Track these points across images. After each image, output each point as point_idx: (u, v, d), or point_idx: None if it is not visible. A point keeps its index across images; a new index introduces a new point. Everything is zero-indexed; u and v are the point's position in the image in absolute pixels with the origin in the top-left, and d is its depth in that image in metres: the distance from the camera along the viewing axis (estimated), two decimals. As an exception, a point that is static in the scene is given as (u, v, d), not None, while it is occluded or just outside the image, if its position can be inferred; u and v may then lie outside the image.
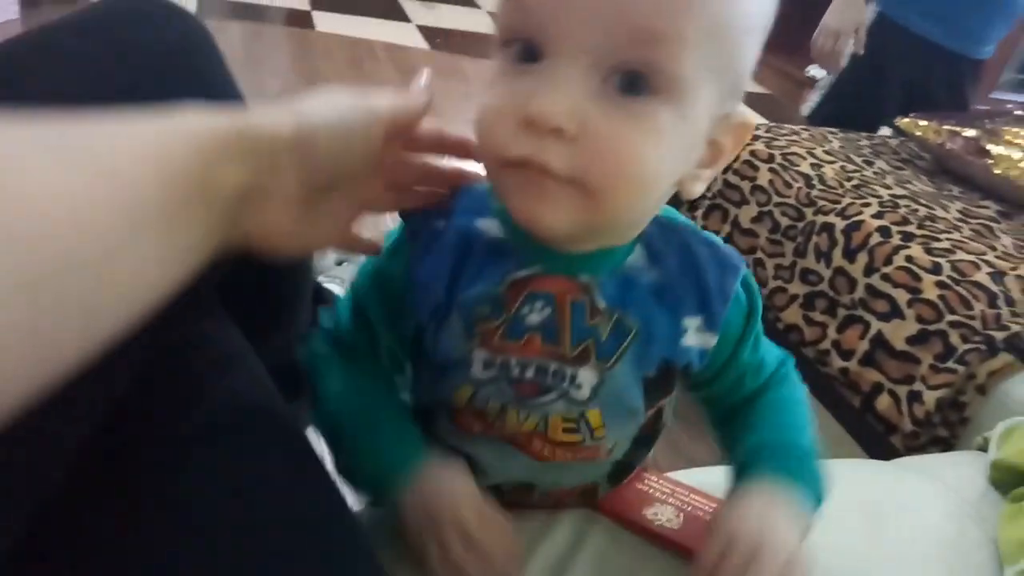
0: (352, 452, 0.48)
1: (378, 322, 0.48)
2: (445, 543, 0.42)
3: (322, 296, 0.94)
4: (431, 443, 0.48)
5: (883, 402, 0.92)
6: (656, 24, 0.33)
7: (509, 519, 0.44)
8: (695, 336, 0.45)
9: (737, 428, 0.50)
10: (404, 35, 3.06)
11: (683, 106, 0.35)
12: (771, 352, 0.51)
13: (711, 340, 0.45)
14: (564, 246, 0.41)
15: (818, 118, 1.53)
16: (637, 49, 0.34)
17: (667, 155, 0.36)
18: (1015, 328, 0.85)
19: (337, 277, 1.06)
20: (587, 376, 0.44)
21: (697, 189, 0.42)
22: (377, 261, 0.48)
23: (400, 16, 3.29)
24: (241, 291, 0.62)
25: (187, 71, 0.49)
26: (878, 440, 0.95)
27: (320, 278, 1.07)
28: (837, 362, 0.99)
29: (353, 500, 0.48)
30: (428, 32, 3.15)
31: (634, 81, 0.34)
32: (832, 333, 1.00)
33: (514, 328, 0.44)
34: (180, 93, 0.46)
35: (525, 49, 0.36)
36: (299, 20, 2.95)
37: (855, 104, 1.48)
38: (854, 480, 0.65)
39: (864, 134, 1.35)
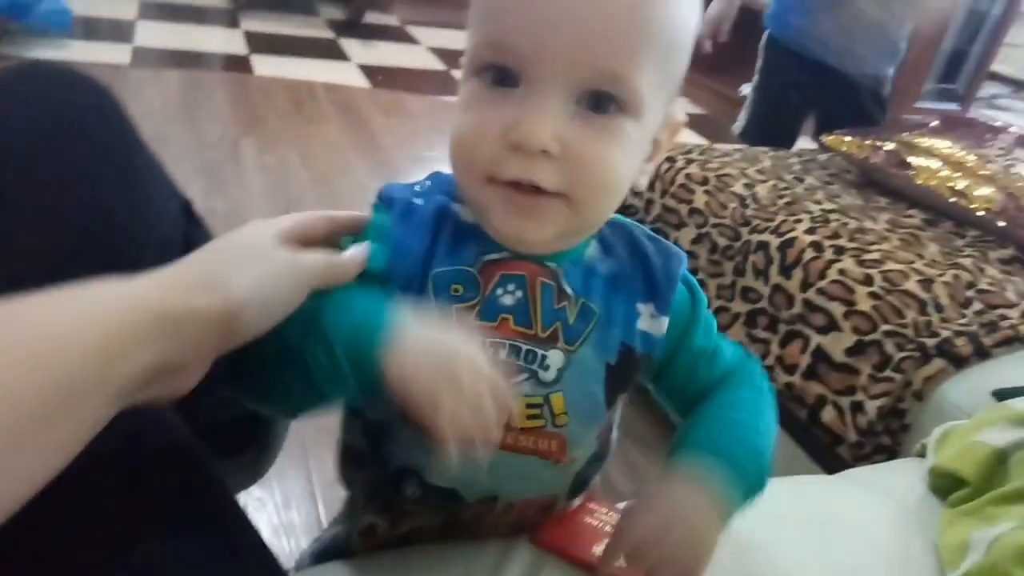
0: (330, 327, 0.42)
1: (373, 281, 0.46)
2: (458, 387, 0.38)
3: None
4: (387, 463, 0.48)
5: (828, 414, 0.94)
6: (618, 67, 0.39)
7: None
8: (648, 321, 0.48)
9: (690, 424, 0.51)
10: (344, 74, 3.06)
11: (642, 117, 0.41)
12: (729, 348, 0.53)
13: (663, 325, 0.48)
14: (538, 251, 0.45)
15: (746, 135, 1.62)
16: (604, 82, 0.40)
17: (632, 161, 0.43)
18: (945, 333, 0.88)
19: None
20: (555, 357, 0.46)
21: (643, 182, 0.47)
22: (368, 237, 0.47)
23: (340, 56, 3.30)
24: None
25: (88, 140, 0.48)
26: (826, 452, 0.97)
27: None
28: (782, 377, 1.01)
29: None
30: (368, 70, 3.16)
31: (601, 101, 0.40)
32: (775, 349, 1.02)
33: (488, 309, 0.45)
34: (80, 163, 0.45)
35: (500, 75, 0.40)
36: (237, 65, 2.93)
37: (773, 120, 1.60)
38: (800, 496, 0.66)
39: (794, 151, 1.40)
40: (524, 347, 0.46)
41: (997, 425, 0.64)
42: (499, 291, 0.46)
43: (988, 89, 4.82)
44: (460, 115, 0.42)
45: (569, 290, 0.46)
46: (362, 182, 2.19)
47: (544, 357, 0.46)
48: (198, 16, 3.42)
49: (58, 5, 2.68)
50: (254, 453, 0.96)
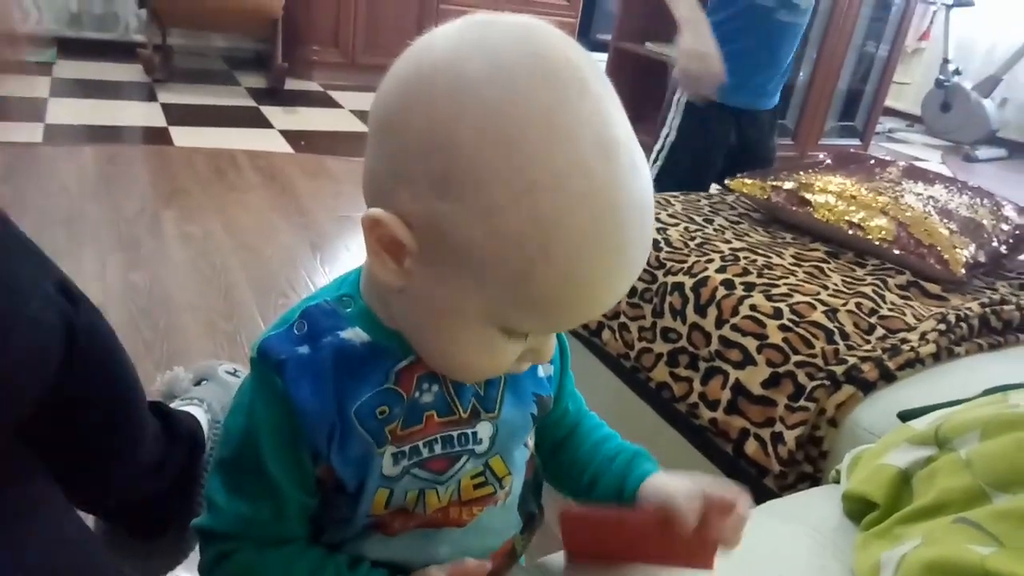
0: None
1: (282, 475, 0.46)
2: None
3: (176, 421, 0.89)
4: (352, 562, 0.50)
5: (751, 446, 0.96)
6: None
7: None
8: (542, 368, 0.54)
9: (581, 452, 0.59)
10: (267, 141, 3.06)
11: None
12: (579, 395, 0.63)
13: (551, 369, 0.55)
14: None
15: (661, 186, 1.65)
16: None
17: None
18: (852, 360, 0.91)
19: (196, 398, 1.01)
20: (484, 430, 0.50)
21: None
22: (246, 421, 0.46)
23: (262, 123, 3.29)
24: (59, 439, 0.58)
25: None
26: (753, 483, 0.99)
27: (176, 402, 1.02)
28: (706, 413, 1.03)
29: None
30: (291, 136, 3.17)
31: None
32: (697, 386, 1.05)
33: (412, 415, 0.47)
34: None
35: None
36: (156, 137, 2.90)
37: (693, 176, 1.64)
38: (722, 533, 0.67)
39: (703, 194, 1.45)
40: (454, 434, 0.49)
41: (900, 447, 0.67)
42: (417, 393, 0.47)
43: (885, 124, 5.15)
44: (472, 352, 0.43)
45: None
46: (288, 245, 2.17)
47: (475, 434, 0.49)
48: (113, 91, 3.39)
49: (-38, 86, 2.61)
50: (176, 533, 0.93)
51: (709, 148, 1.64)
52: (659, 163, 1.68)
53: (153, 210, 2.27)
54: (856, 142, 3.83)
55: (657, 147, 1.69)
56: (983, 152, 4.93)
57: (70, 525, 0.50)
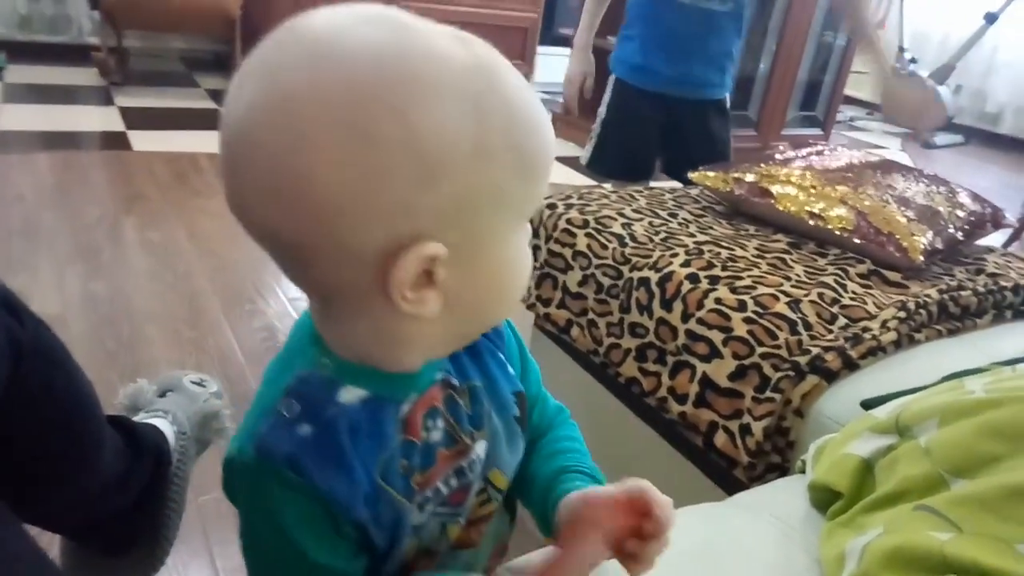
0: None
1: (334, 559, 0.43)
2: None
3: (140, 434, 0.87)
4: None
5: (720, 439, 0.97)
6: None
7: None
8: (509, 366, 0.53)
9: (536, 460, 0.56)
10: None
11: None
12: (551, 400, 0.60)
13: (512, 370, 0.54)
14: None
15: (594, 166, 1.77)
16: None
17: None
18: (815, 350, 0.93)
19: (160, 410, 0.99)
20: (480, 447, 0.49)
21: None
22: (275, 530, 0.41)
23: (215, 125, 3.24)
24: (9, 457, 0.57)
25: None
26: (723, 475, 1.00)
27: (140, 414, 1.00)
28: (675, 407, 1.03)
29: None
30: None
31: None
32: (666, 380, 1.05)
33: (426, 458, 0.46)
34: None
35: None
36: (114, 142, 2.84)
37: (623, 154, 1.72)
38: (690, 526, 0.68)
39: (667, 188, 1.46)
40: (464, 463, 0.48)
41: (862, 436, 0.68)
42: (425, 433, 0.46)
43: (846, 112, 5.23)
44: (527, 264, 0.45)
45: (457, 383, 0.48)
46: (254, 250, 2.14)
47: (478, 456, 0.49)
48: (68, 95, 3.31)
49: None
50: (143, 549, 0.91)
51: (636, 128, 1.69)
52: (593, 140, 1.75)
53: (113, 217, 2.22)
54: (818, 131, 3.89)
55: (595, 125, 1.74)
56: (941, 139, 5.04)
57: (15, 541, 0.48)
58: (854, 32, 1.79)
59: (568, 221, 1.27)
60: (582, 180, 3.10)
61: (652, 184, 1.65)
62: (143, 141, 2.87)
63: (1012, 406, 0.59)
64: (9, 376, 0.55)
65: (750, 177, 1.28)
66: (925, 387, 0.76)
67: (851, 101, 5.72)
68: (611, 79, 1.73)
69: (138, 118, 3.11)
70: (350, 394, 0.43)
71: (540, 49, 4.85)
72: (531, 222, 1.35)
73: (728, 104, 1.74)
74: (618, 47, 1.71)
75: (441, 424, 0.47)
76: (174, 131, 3.06)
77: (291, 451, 0.40)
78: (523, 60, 4.84)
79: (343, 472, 0.41)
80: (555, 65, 4.64)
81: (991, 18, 4.89)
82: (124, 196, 2.40)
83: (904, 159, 4.48)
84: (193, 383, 1.09)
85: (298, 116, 0.36)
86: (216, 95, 3.64)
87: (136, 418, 0.98)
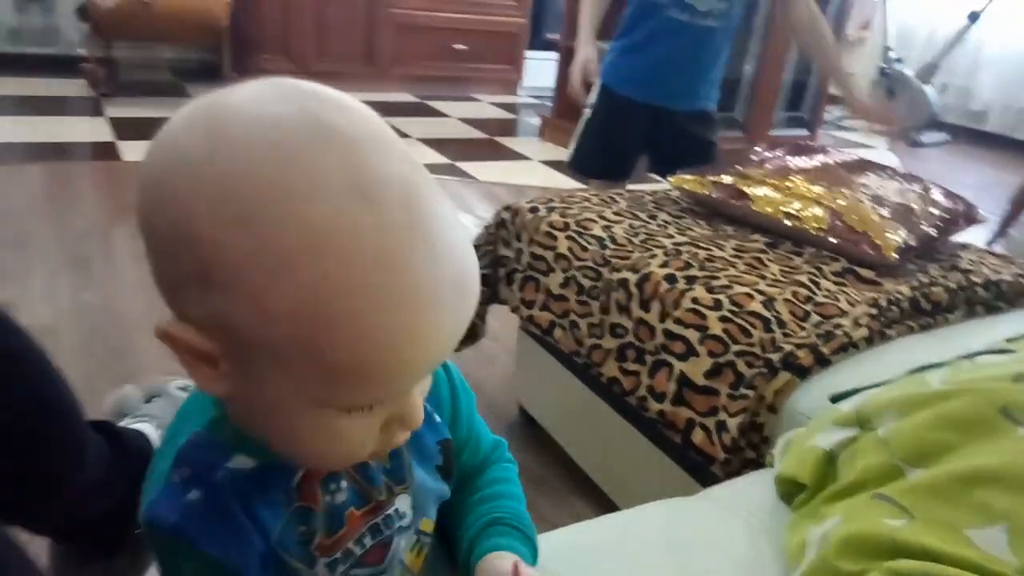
0: None
1: None
2: None
3: (124, 439, 0.89)
4: None
5: (697, 436, 0.99)
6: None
7: None
8: (437, 413, 0.51)
9: (464, 506, 0.55)
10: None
11: None
12: (487, 436, 0.57)
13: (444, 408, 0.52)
14: None
15: (575, 165, 1.82)
16: None
17: None
18: (787, 347, 0.95)
19: (146, 416, 1.01)
20: (403, 503, 0.49)
21: None
22: None
23: (213, 134, 3.25)
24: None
25: None
26: (702, 471, 1.02)
27: (127, 420, 1.01)
28: (654, 405, 1.05)
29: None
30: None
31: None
32: (645, 379, 1.07)
33: (332, 521, 0.45)
34: None
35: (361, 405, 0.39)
36: (104, 153, 2.85)
37: (604, 155, 1.75)
38: (660, 521, 0.70)
39: (647, 190, 1.48)
40: (379, 520, 0.48)
41: (826, 429, 0.70)
42: (328, 497, 0.45)
43: (833, 112, 5.27)
44: (321, 441, 0.39)
45: None
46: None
47: (397, 511, 0.48)
48: (58, 107, 3.32)
49: None
50: (130, 551, 0.93)
51: (618, 132, 1.71)
52: (575, 140, 1.79)
53: (103, 228, 2.24)
54: (805, 132, 3.92)
55: (578, 125, 1.77)
56: (927, 137, 5.05)
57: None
58: (826, 74, 1.82)
59: (550, 224, 1.29)
60: (571, 183, 3.13)
61: (635, 186, 1.67)
62: (133, 151, 2.88)
63: (964, 397, 0.61)
64: None
65: (727, 179, 1.30)
66: (891, 380, 0.78)
67: (838, 101, 5.75)
68: (597, 83, 1.75)
69: (128, 128, 3.12)
70: (240, 462, 0.42)
71: (528, 54, 4.89)
72: (511, 226, 1.37)
73: (715, 112, 1.76)
74: (609, 54, 1.73)
75: (345, 485, 0.46)
76: (164, 141, 3.07)
77: (177, 520, 0.40)
78: (512, 64, 4.88)
79: (233, 536, 0.41)
80: (543, 69, 4.68)
81: (974, 17, 4.92)
82: (114, 206, 2.41)
83: (891, 158, 4.52)
84: (179, 389, 1.11)
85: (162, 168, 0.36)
86: (206, 104, 3.65)
87: (122, 423, 0.99)
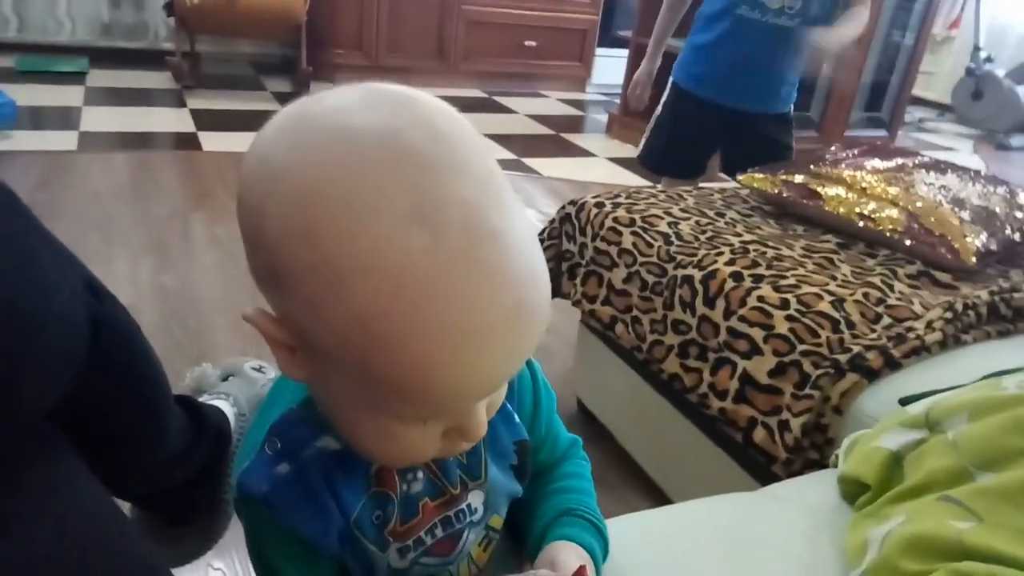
0: None
1: None
2: None
3: (204, 414, 0.94)
4: None
5: (759, 434, 0.98)
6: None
7: None
8: (517, 414, 0.52)
9: (537, 496, 0.56)
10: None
11: None
12: (564, 435, 0.58)
13: (526, 409, 0.52)
14: None
15: (646, 162, 1.82)
16: None
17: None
18: (856, 349, 0.93)
19: (223, 393, 1.06)
20: (476, 499, 0.50)
21: None
22: (265, 568, 0.46)
23: (288, 127, 3.36)
24: (85, 428, 0.63)
25: None
26: (762, 470, 1.01)
27: (204, 396, 1.06)
28: (715, 403, 1.05)
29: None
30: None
31: None
32: (707, 377, 1.06)
33: (407, 509, 0.47)
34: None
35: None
36: (185, 143, 2.98)
37: (675, 153, 1.75)
38: (720, 516, 0.70)
39: (716, 187, 1.47)
40: (451, 513, 0.49)
41: (893, 430, 0.69)
42: (405, 486, 0.47)
43: (915, 114, 5.07)
44: (379, 442, 0.41)
45: None
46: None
47: (470, 507, 0.50)
48: (144, 98, 3.48)
49: (2, 98, 2.71)
50: (205, 519, 0.98)
51: (690, 130, 1.70)
52: (647, 136, 1.79)
53: (183, 214, 2.34)
54: (883, 133, 3.79)
55: (650, 123, 1.76)
56: (1016, 140, 4.82)
57: (97, 504, 0.54)
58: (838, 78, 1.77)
59: (615, 219, 1.29)
60: (637, 180, 3.10)
61: (706, 184, 1.65)
62: (213, 142, 3.00)
63: (1043, 402, 0.58)
64: (88, 350, 0.60)
65: (799, 178, 1.28)
66: (964, 385, 0.76)
67: (920, 102, 5.54)
68: (670, 81, 1.74)
69: (208, 120, 3.25)
70: (327, 442, 0.45)
71: (598, 51, 4.86)
72: (576, 220, 1.38)
73: (791, 114, 1.72)
74: (683, 53, 1.71)
75: (422, 476, 0.47)
76: (242, 132, 3.18)
77: (267, 490, 0.43)
78: (581, 62, 4.86)
79: (316, 511, 0.44)
80: (613, 66, 4.65)
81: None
82: (194, 194, 2.52)
83: (977, 162, 4.32)
84: (253, 369, 1.15)
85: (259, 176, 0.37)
86: (282, 98, 3.77)
87: (200, 399, 1.05)
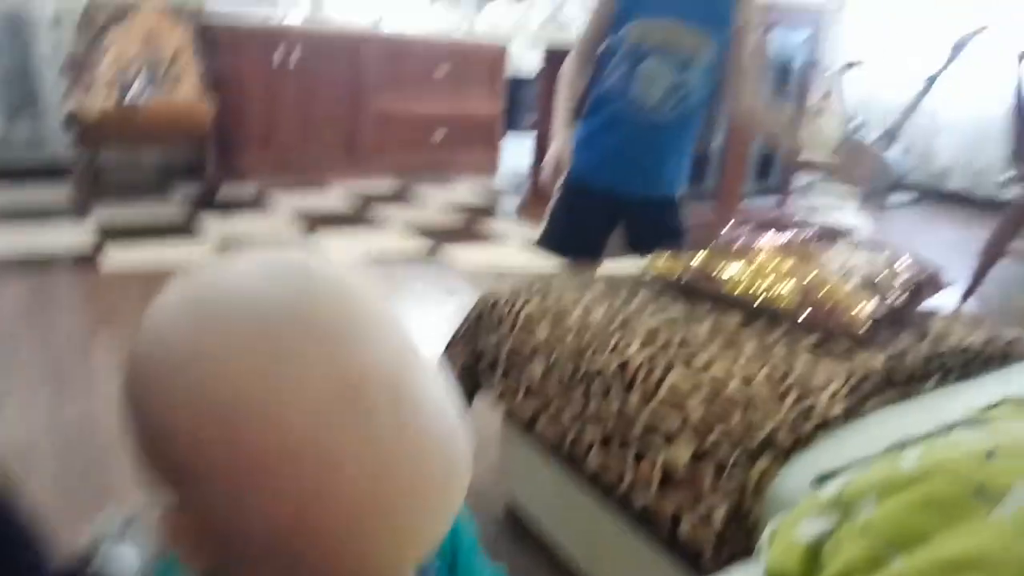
0: None
1: None
2: None
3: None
4: None
5: (684, 529, 0.98)
6: None
7: None
8: (435, 562, 0.48)
9: None
10: (202, 253, 3.05)
11: None
12: (487, 573, 0.55)
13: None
14: None
15: (544, 247, 1.86)
16: None
17: None
18: (768, 428, 0.95)
19: (126, 538, 0.99)
20: None
21: None
22: None
23: (197, 234, 3.29)
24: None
25: None
26: (693, 563, 1.00)
27: (107, 543, 0.99)
28: (640, 499, 1.04)
29: None
30: (227, 244, 3.17)
31: None
32: (629, 471, 1.06)
33: None
34: None
35: None
36: (86, 260, 2.87)
37: (571, 238, 1.80)
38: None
39: (626, 271, 1.51)
40: None
41: (808, 517, 0.70)
42: None
43: (803, 178, 5.42)
44: None
45: None
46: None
47: None
48: (44, 214, 3.36)
49: None
50: None
51: (583, 215, 1.76)
52: (545, 221, 1.84)
53: (83, 338, 2.23)
54: (775, 200, 4.02)
55: (549, 206, 1.83)
56: (895, 199, 5.22)
57: None
58: (734, 115, 1.88)
59: (528, 314, 1.31)
60: (549, 264, 3.17)
61: (614, 262, 1.69)
62: (118, 257, 2.91)
63: (939, 478, 0.61)
64: None
65: (698, 261, 1.33)
66: (871, 457, 0.78)
67: (806, 166, 5.94)
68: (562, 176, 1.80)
69: (112, 235, 3.15)
70: None
71: (505, 138, 5.04)
72: (490, 316, 1.38)
73: (681, 196, 1.80)
74: (573, 139, 1.78)
75: None
76: (148, 245, 3.10)
77: None
78: (490, 148, 5.02)
79: None
80: (520, 150, 4.81)
81: (931, 80, 5.16)
82: (96, 317, 2.42)
83: (862, 221, 4.63)
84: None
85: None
86: (190, 204, 3.71)
87: (103, 546, 0.97)
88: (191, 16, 4.02)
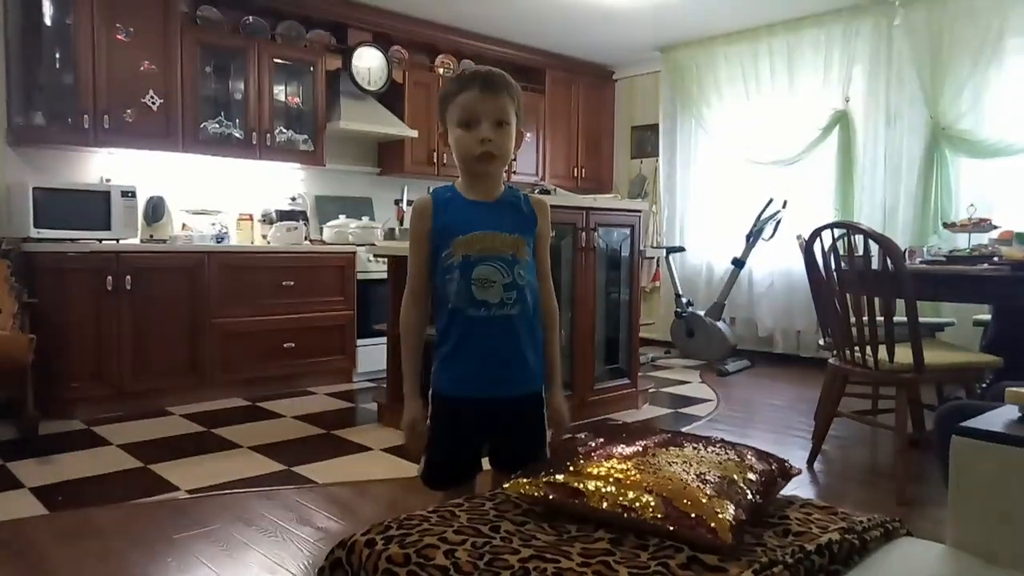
0: None
1: None
2: None
3: None
4: None
5: None
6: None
7: None
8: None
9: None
10: (13, 506, 2.67)
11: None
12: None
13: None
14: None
15: (427, 482, 1.79)
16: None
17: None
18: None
19: None
20: None
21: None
22: None
23: (8, 484, 2.90)
24: None
25: None
26: None
27: None
28: None
29: None
30: (46, 492, 2.81)
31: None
32: None
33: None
34: None
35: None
36: None
37: (452, 464, 1.77)
38: None
39: (487, 496, 1.46)
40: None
41: None
42: None
43: (648, 354, 5.75)
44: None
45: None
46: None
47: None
48: None
49: None
50: None
51: (457, 437, 1.76)
52: (424, 456, 1.78)
53: None
54: (626, 380, 4.19)
55: (423, 442, 1.78)
56: (731, 365, 5.63)
57: None
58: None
59: (388, 559, 1.21)
60: (412, 468, 3.06)
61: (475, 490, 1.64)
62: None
63: None
64: None
65: (559, 478, 1.31)
66: None
67: (648, 343, 6.34)
68: (430, 394, 1.78)
69: None
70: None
71: (359, 342, 5.00)
72: (348, 565, 1.27)
73: (542, 392, 1.83)
74: (434, 366, 1.79)
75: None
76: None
77: None
78: (344, 354, 4.93)
79: None
80: (375, 354, 4.78)
81: (737, 263, 5.82)
82: None
83: (706, 390, 4.91)
84: None
85: None
86: (4, 448, 3.30)
87: None
88: (9, 245, 3.84)
